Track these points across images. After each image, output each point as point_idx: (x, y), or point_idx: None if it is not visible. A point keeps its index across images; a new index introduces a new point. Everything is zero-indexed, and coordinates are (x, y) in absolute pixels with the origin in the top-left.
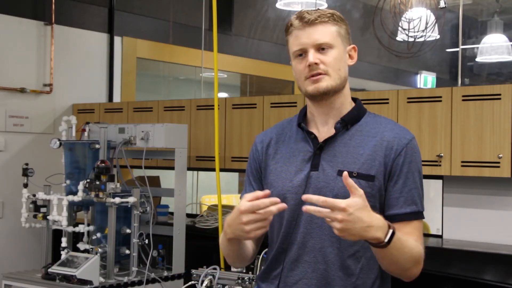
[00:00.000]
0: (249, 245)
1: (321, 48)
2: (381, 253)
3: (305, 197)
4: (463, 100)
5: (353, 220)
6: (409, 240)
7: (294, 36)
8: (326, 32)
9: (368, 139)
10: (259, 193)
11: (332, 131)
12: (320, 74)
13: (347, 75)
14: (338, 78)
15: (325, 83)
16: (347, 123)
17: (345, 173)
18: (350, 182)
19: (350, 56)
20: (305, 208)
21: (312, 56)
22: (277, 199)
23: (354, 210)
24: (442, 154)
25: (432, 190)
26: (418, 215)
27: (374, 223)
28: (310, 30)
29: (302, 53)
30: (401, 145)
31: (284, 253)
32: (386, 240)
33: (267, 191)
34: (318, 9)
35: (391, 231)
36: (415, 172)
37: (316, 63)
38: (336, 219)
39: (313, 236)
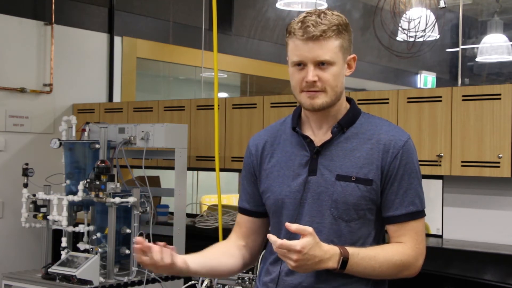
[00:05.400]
0: (226, 259)
1: (320, 63)
2: (348, 273)
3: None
4: (463, 100)
5: (307, 258)
6: (384, 251)
7: (295, 45)
8: (328, 48)
9: (364, 141)
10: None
11: (328, 135)
12: (316, 91)
13: (343, 89)
14: (334, 95)
15: (321, 100)
16: (343, 126)
17: (287, 224)
18: (295, 226)
19: (349, 66)
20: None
21: (311, 73)
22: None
23: (308, 250)
24: (442, 154)
25: (432, 190)
26: (414, 215)
27: (325, 256)
28: (312, 45)
29: (301, 63)
30: (397, 148)
31: None
32: (338, 267)
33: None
34: (323, 12)
35: (342, 258)
36: (411, 173)
37: (314, 81)
38: (292, 259)
39: None
